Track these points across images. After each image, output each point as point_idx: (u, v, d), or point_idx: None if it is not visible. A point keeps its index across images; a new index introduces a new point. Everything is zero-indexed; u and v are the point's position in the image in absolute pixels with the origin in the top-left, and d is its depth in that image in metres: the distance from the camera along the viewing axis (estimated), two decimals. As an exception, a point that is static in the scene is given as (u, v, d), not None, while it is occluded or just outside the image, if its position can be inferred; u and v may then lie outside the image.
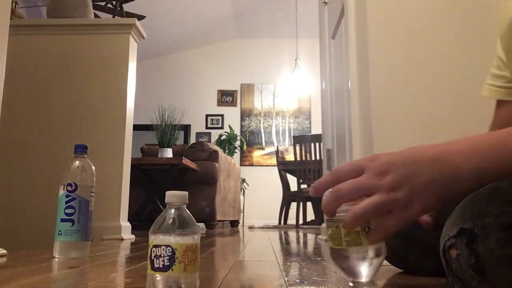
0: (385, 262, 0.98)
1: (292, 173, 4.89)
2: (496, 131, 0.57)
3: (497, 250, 0.44)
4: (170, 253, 0.60)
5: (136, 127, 2.75)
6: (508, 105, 0.80)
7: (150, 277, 0.60)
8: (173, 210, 0.62)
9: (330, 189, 0.58)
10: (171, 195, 0.63)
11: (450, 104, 1.36)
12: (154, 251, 0.60)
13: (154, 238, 0.61)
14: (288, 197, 5.03)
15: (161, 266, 0.60)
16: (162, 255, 0.60)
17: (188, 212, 0.64)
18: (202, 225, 4.07)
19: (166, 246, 0.60)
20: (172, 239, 0.60)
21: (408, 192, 0.53)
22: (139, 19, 2.53)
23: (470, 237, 0.46)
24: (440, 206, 0.55)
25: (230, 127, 7.03)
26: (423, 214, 0.56)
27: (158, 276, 0.60)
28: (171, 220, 0.61)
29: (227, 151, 6.65)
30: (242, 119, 7.41)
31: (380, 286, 0.79)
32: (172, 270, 0.60)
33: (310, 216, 4.95)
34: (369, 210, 0.54)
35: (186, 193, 0.64)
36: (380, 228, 0.56)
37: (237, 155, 7.08)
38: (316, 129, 6.91)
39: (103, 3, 3.18)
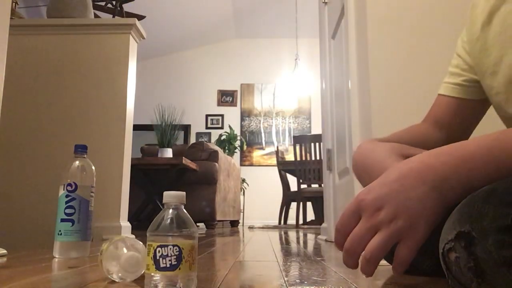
0: (385, 262, 0.99)
1: (292, 173, 4.89)
2: (473, 138, 0.57)
3: (495, 252, 0.44)
4: (178, 253, 0.60)
5: (136, 127, 2.75)
6: (452, 101, 0.84)
7: (151, 277, 0.60)
8: (171, 210, 0.62)
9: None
10: (169, 196, 0.63)
11: (450, 104, 1.36)
12: (159, 251, 0.60)
13: (159, 238, 0.60)
14: (288, 197, 5.03)
15: (168, 265, 0.59)
16: (170, 255, 0.59)
17: (186, 212, 0.64)
18: (202, 225, 4.07)
19: (174, 245, 0.60)
20: (179, 239, 0.60)
21: (406, 217, 0.53)
22: (139, 19, 2.53)
23: (468, 240, 0.46)
24: (441, 217, 0.55)
25: (230, 127, 7.03)
26: (431, 229, 0.55)
27: (159, 276, 0.60)
28: (169, 220, 0.61)
29: (227, 151, 6.65)
30: (242, 119, 7.41)
31: (380, 285, 0.79)
32: (180, 269, 0.60)
33: (310, 216, 4.95)
34: (377, 250, 0.54)
35: (183, 193, 0.64)
36: (398, 260, 0.56)
37: (237, 155, 7.08)
38: (316, 129, 6.91)
39: (103, 3, 3.18)
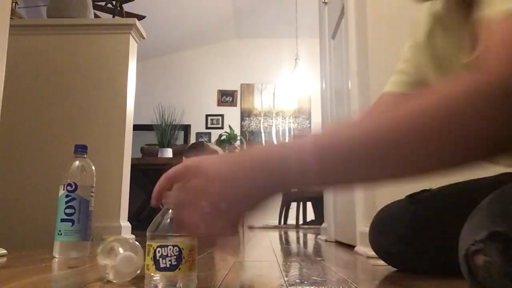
0: (384, 262, 0.99)
1: (292, 173, 4.88)
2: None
3: None
4: (177, 253, 0.60)
5: (136, 127, 2.75)
6: (397, 96, 0.80)
7: (151, 277, 0.60)
8: (170, 210, 0.62)
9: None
10: (168, 196, 0.63)
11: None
12: (159, 251, 0.59)
13: (158, 238, 0.60)
14: (288, 197, 5.03)
15: (168, 265, 0.59)
16: (169, 255, 0.59)
17: None
18: (202, 225, 4.06)
19: (174, 246, 0.60)
20: (178, 239, 0.60)
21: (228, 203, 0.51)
22: (139, 19, 2.53)
23: (506, 242, 0.40)
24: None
25: (230, 127, 7.02)
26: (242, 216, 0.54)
27: (159, 276, 0.60)
28: (169, 220, 0.61)
29: (227, 151, 6.64)
30: (242, 119, 7.41)
31: (380, 285, 0.79)
32: (179, 269, 0.60)
33: (310, 216, 4.95)
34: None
35: None
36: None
37: (237, 155, 7.08)
38: (316, 129, 6.90)
39: (103, 3, 3.18)
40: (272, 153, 0.50)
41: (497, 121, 0.39)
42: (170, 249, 0.60)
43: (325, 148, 0.46)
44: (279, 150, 0.50)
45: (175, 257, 0.60)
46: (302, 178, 0.48)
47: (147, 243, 0.61)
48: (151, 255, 0.60)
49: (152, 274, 0.60)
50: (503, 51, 0.41)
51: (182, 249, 0.60)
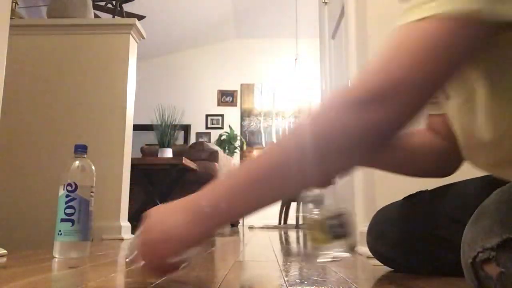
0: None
1: (292, 173, 4.88)
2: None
3: None
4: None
5: (136, 127, 2.74)
6: (435, 116, 0.81)
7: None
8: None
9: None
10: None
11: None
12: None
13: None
14: (288, 197, 5.02)
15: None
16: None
17: None
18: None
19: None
20: None
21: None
22: (139, 19, 2.53)
23: None
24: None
25: (230, 127, 7.03)
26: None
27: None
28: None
29: (227, 151, 6.64)
30: (242, 119, 7.41)
31: (380, 285, 0.79)
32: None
33: (310, 216, 4.94)
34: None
35: None
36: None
37: (237, 155, 7.08)
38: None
39: (103, 3, 3.18)
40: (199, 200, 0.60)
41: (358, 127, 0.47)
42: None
43: (231, 189, 0.57)
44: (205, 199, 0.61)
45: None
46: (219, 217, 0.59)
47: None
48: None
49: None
50: (376, 67, 0.50)
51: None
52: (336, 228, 0.65)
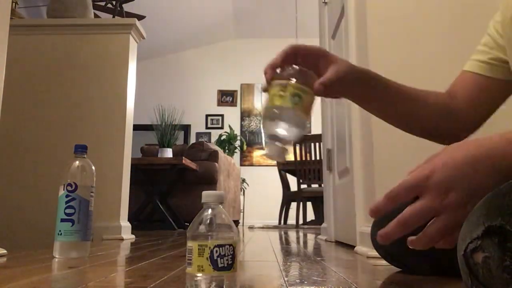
0: (385, 262, 0.99)
1: (292, 173, 4.88)
2: None
3: None
4: (232, 252, 0.60)
5: (136, 127, 2.75)
6: (477, 78, 0.81)
7: (204, 277, 0.60)
8: (210, 210, 0.62)
9: (395, 219, 0.55)
10: (207, 195, 0.63)
11: (450, 104, 1.36)
12: (217, 251, 0.59)
13: (214, 237, 0.60)
14: (288, 197, 5.03)
15: (225, 265, 0.59)
16: (226, 254, 0.59)
17: (225, 211, 0.64)
18: (202, 225, 4.06)
19: (229, 245, 0.60)
20: (233, 237, 0.61)
21: (474, 205, 0.49)
22: (139, 19, 2.53)
23: (502, 235, 0.40)
24: None
25: (230, 127, 7.03)
26: None
27: (200, 276, 0.59)
28: (208, 220, 0.61)
29: (227, 151, 6.64)
30: (242, 119, 7.41)
31: (380, 285, 0.80)
32: (234, 268, 0.60)
33: (310, 216, 4.94)
34: (438, 233, 0.52)
35: (222, 192, 0.64)
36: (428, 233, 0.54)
37: (237, 155, 7.08)
38: (316, 129, 6.91)
39: (103, 3, 3.18)
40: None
41: None
42: (227, 248, 0.60)
43: None
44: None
45: (231, 256, 0.60)
46: None
47: (198, 243, 0.60)
48: (208, 255, 0.59)
49: (210, 274, 0.59)
50: None
51: (234, 248, 0.60)
52: (294, 97, 0.62)
